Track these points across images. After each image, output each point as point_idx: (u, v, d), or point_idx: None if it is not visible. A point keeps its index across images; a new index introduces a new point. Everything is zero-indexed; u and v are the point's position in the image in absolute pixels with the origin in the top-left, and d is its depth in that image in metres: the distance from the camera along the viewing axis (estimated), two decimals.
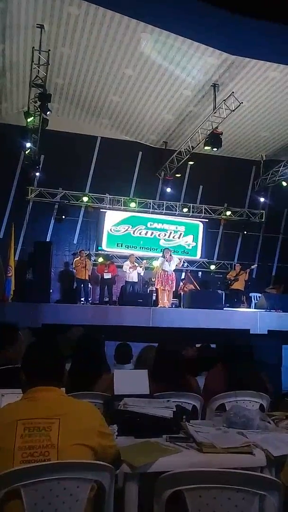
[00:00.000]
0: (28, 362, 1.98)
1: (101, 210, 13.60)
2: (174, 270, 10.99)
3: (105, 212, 13.66)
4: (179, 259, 11.14)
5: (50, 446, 1.72)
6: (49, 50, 9.39)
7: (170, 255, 10.80)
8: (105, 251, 13.46)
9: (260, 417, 2.62)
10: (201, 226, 14.46)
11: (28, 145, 11.00)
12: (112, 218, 13.75)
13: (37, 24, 9.06)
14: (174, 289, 11.11)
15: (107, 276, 12.01)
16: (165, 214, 14.15)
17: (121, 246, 13.72)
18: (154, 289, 11.67)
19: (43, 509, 1.64)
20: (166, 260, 10.67)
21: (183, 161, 12.85)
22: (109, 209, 13.66)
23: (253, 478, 1.77)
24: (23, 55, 10.07)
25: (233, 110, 10.40)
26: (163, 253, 10.96)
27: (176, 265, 11.09)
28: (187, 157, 12.61)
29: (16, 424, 1.73)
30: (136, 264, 12.11)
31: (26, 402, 1.85)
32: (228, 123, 11.64)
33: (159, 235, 14.12)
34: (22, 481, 1.62)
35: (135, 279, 12.01)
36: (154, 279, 11.85)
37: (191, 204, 14.27)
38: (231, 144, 13.41)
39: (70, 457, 1.72)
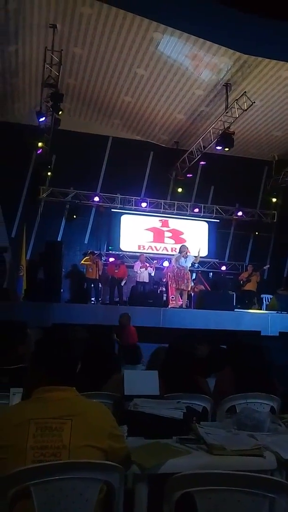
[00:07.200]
0: (44, 359, 1.94)
1: (112, 210, 13.62)
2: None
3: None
4: (196, 257, 10.82)
5: (61, 446, 1.72)
6: (62, 50, 9.44)
7: (187, 251, 10.47)
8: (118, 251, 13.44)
9: (271, 420, 2.60)
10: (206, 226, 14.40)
11: (40, 144, 11.06)
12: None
13: (49, 24, 9.09)
14: (189, 289, 10.66)
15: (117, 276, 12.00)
16: (176, 214, 14.12)
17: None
18: (165, 289, 11.58)
19: (52, 508, 1.65)
20: (182, 256, 10.39)
21: (194, 161, 12.82)
22: (121, 209, 13.65)
23: (263, 480, 1.75)
24: (36, 55, 10.12)
25: (245, 110, 10.37)
26: (180, 248, 10.74)
27: (192, 263, 10.80)
28: (198, 157, 12.57)
29: (29, 423, 1.73)
30: (147, 264, 12.08)
31: (39, 401, 1.83)
32: (240, 122, 11.59)
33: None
34: (33, 480, 1.63)
35: (146, 279, 11.98)
36: (164, 279, 11.77)
37: (203, 205, 14.21)
38: (243, 144, 13.32)
39: (81, 458, 1.72)
